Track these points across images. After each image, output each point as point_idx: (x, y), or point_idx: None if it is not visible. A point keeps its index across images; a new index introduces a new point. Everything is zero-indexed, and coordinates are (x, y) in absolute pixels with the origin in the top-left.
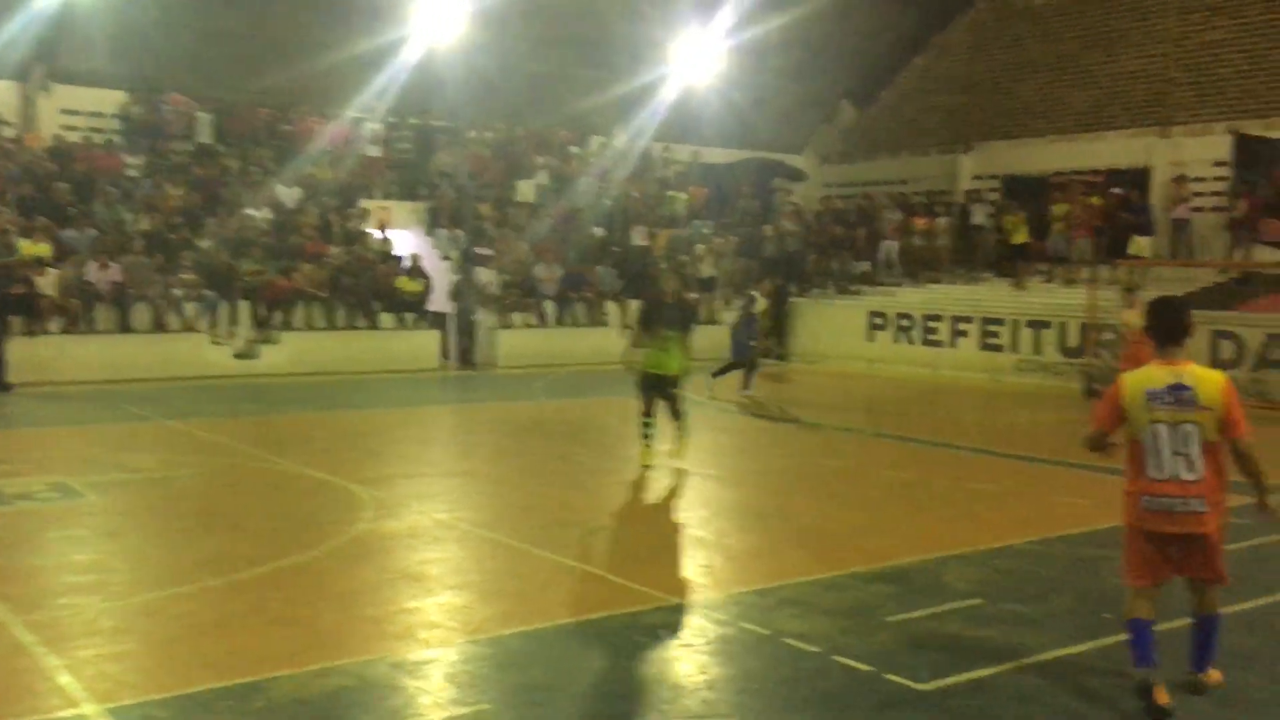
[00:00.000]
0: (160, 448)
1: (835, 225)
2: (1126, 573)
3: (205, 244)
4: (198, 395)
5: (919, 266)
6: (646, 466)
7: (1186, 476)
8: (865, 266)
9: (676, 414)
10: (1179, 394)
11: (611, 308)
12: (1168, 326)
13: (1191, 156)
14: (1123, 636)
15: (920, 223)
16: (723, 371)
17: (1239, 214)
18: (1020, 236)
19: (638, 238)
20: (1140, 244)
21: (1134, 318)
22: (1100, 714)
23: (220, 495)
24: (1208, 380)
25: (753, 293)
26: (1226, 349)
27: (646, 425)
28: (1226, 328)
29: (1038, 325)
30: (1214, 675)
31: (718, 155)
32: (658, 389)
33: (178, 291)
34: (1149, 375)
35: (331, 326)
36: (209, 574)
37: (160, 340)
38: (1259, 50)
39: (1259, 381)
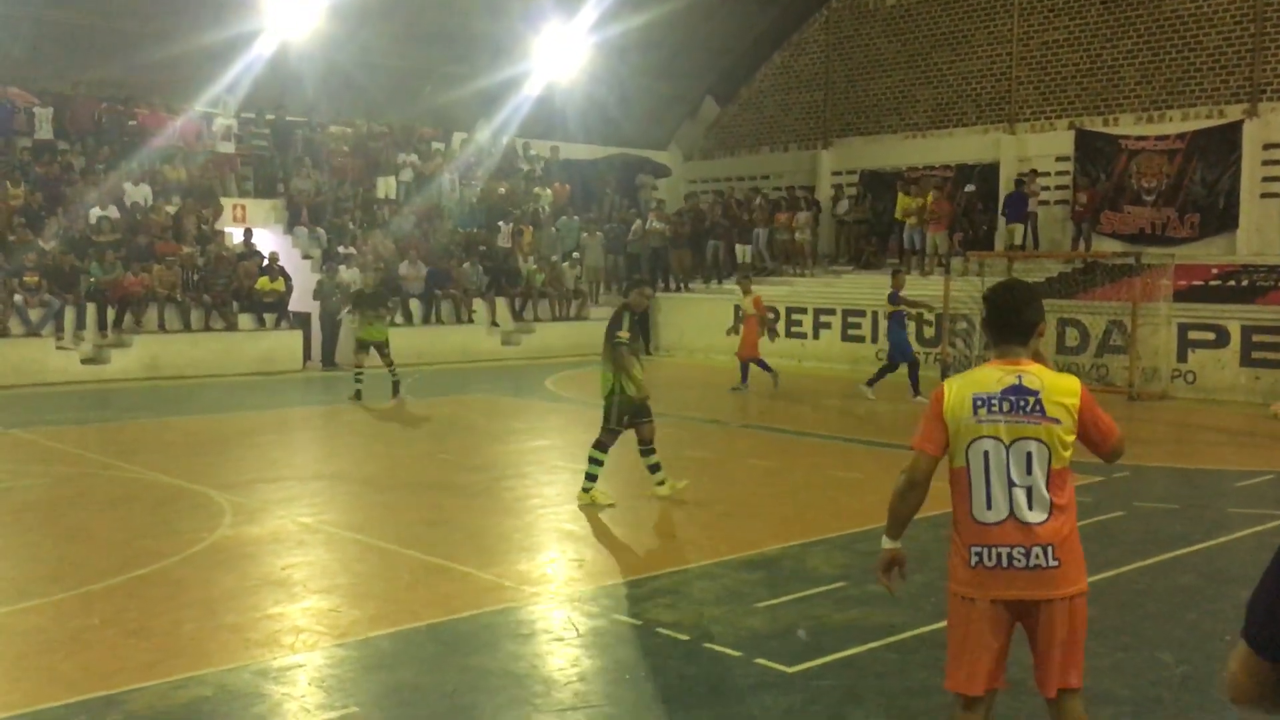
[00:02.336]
0: (2, 458)
1: (700, 220)
2: (949, 670)
3: (48, 245)
4: (42, 403)
5: (783, 260)
6: (607, 505)
7: (1027, 517)
8: (742, 255)
9: (649, 442)
10: (1018, 400)
11: (479, 305)
12: (1003, 316)
13: (1036, 152)
14: None
15: (782, 217)
16: (879, 377)
17: (1081, 206)
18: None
19: (503, 235)
20: (1015, 231)
21: (749, 303)
22: None
23: (68, 505)
24: (1058, 384)
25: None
26: (1072, 336)
27: (600, 462)
28: (1072, 315)
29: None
30: None
31: (582, 151)
32: (637, 416)
33: (18, 296)
34: (977, 377)
35: (186, 328)
36: (58, 587)
37: (1, 346)
38: (1097, 49)
39: (1101, 366)
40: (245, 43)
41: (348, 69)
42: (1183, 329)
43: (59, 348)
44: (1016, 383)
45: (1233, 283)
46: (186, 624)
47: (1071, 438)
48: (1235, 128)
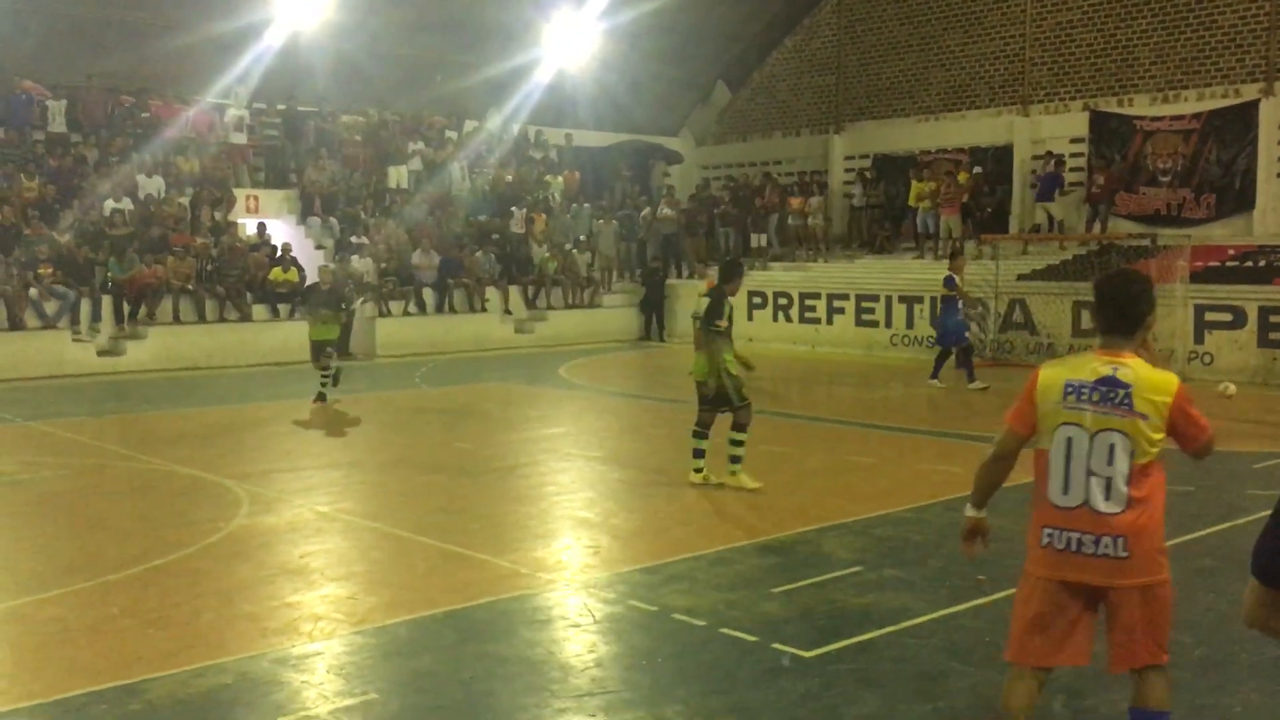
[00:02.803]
0: (21, 450)
1: (713, 206)
2: (1009, 639)
3: (63, 237)
4: (59, 395)
5: (796, 245)
6: (754, 488)
7: (1102, 506)
8: (757, 243)
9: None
10: (1109, 391)
11: (491, 293)
12: (1112, 307)
13: (1050, 134)
14: (996, 595)
15: (795, 202)
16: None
17: (1098, 188)
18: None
19: (516, 222)
20: (1050, 207)
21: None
22: (973, 671)
23: (87, 497)
24: (1153, 380)
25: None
26: (1087, 318)
27: (742, 443)
28: (1087, 298)
29: (910, 300)
30: None
31: (593, 138)
32: (726, 401)
33: (34, 289)
34: (1074, 364)
35: (201, 320)
36: (78, 577)
37: (17, 338)
38: (1111, 29)
39: None
40: (256, 33)
41: (358, 58)
42: (1199, 310)
43: (75, 340)
44: (1111, 374)
45: (1249, 263)
46: (205, 613)
47: (1160, 435)
48: (1251, 107)
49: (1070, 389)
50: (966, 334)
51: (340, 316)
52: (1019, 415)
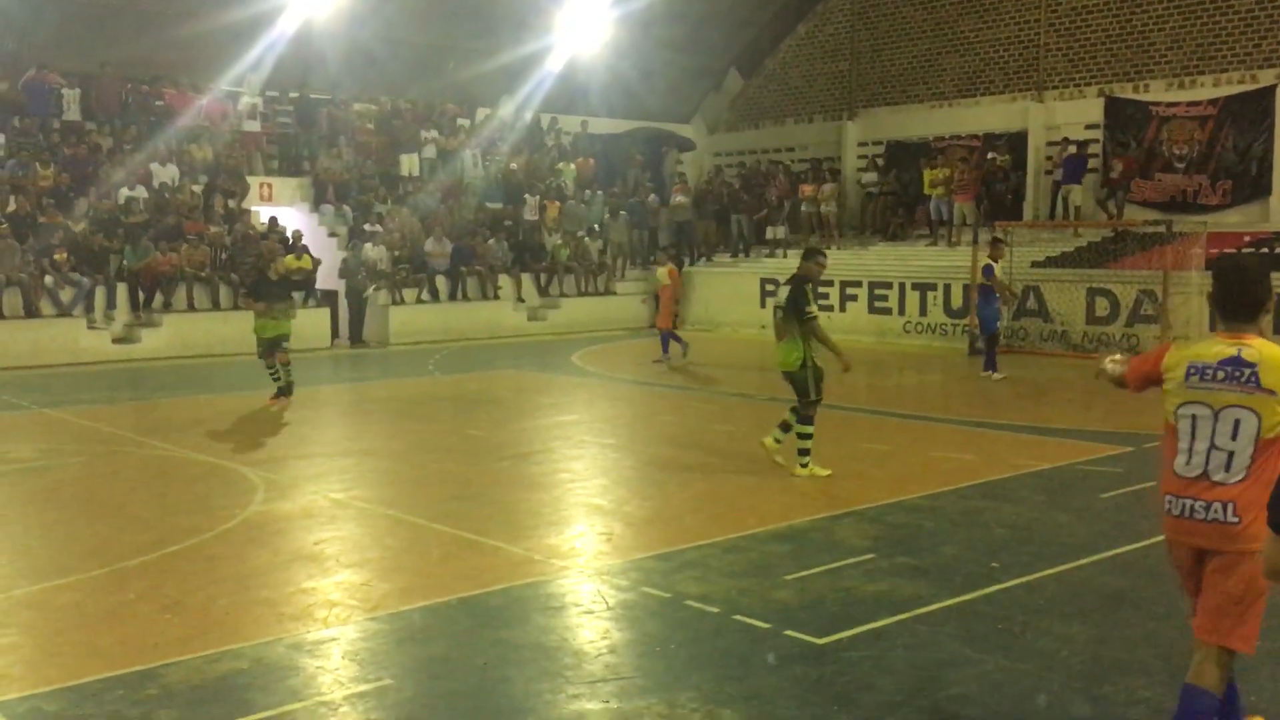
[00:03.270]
0: (38, 437)
1: (726, 193)
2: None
3: (77, 225)
4: (75, 382)
5: (807, 232)
6: (825, 475)
7: (1222, 476)
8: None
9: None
10: (1234, 370)
11: (504, 281)
12: (1231, 294)
13: (1065, 120)
14: (1010, 582)
15: (808, 189)
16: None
17: (1117, 174)
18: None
19: (529, 210)
20: (1073, 192)
21: (664, 274)
22: (986, 658)
23: (103, 483)
24: (1278, 358)
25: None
26: (1101, 305)
27: (811, 435)
28: (1102, 285)
29: (923, 288)
30: None
31: (605, 126)
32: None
33: (49, 277)
34: (1200, 348)
35: (215, 307)
36: (95, 563)
37: (33, 326)
38: (1127, 15)
39: (1131, 335)
40: (268, 21)
41: (370, 46)
42: None
43: (90, 328)
44: (1235, 355)
45: (1265, 250)
46: (221, 599)
47: None
48: (1268, 93)
49: (1194, 370)
50: (997, 324)
51: (291, 310)
52: (1137, 373)
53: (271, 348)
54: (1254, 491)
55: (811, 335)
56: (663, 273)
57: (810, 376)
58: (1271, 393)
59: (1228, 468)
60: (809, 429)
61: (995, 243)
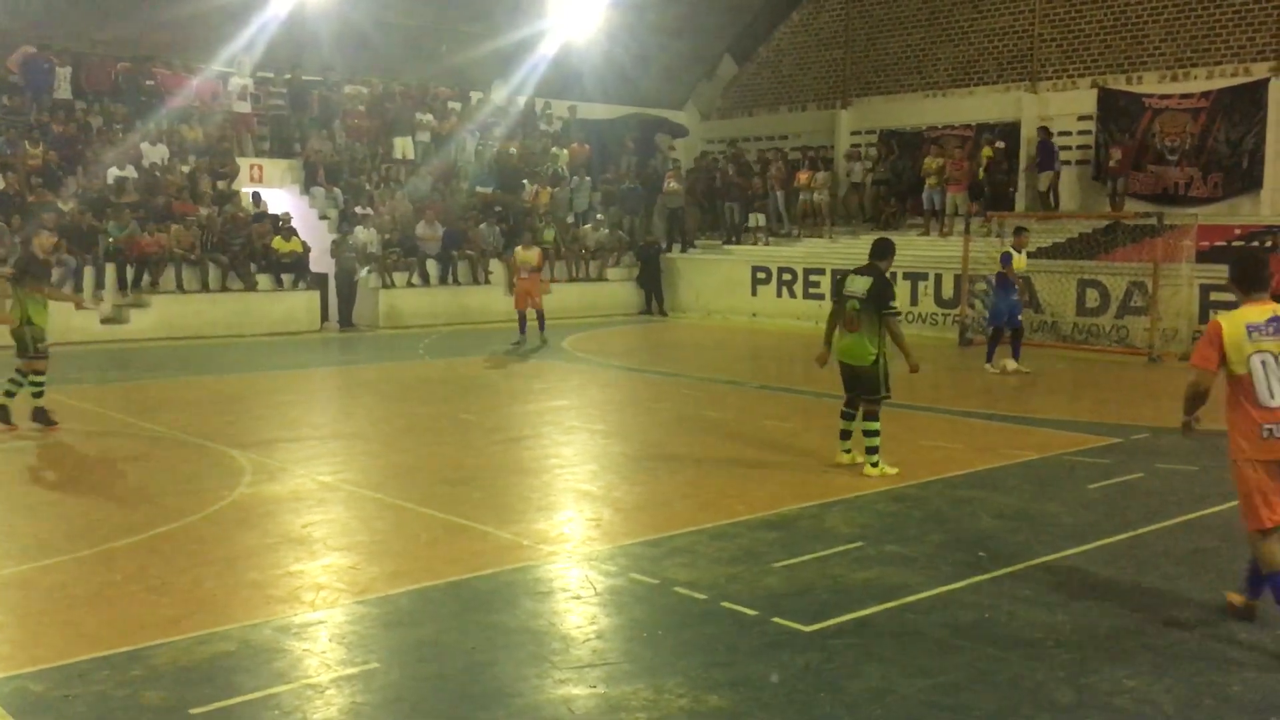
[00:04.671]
0: (25, 417)
1: (717, 177)
2: (1252, 515)
3: (66, 205)
4: (63, 362)
5: (802, 220)
6: (894, 473)
7: None
8: (761, 220)
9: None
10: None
11: (495, 266)
12: (1252, 274)
13: (1058, 110)
14: (997, 572)
15: (802, 177)
16: (1016, 348)
17: (1116, 164)
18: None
19: (522, 194)
20: (1044, 179)
21: (529, 256)
22: (972, 646)
23: (90, 463)
24: None
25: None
26: (1092, 297)
27: (879, 433)
28: (1092, 276)
29: (915, 277)
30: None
31: (599, 111)
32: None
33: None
34: (1244, 313)
35: (204, 289)
36: (82, 544)
37: None
38: (1120, 6)
39: (1121, 327)
40: (261, 2)
41: (363, 28)
42: (1205, 290)
43: (78, 308)
44: (1276, 314)
45: (1256, 243)
46: (208, 581)
47: None
48: (1260, 86)
49: (1252, 328)
50: (1020, 317)
51: (41, 296)
52: (1205, 358)
53: (36, 341)
54: None
55: (889, 331)
56: (532, 255)
57: (881, 373)
58: None
59: None
60: (876, 425)
61: (1018, 230)
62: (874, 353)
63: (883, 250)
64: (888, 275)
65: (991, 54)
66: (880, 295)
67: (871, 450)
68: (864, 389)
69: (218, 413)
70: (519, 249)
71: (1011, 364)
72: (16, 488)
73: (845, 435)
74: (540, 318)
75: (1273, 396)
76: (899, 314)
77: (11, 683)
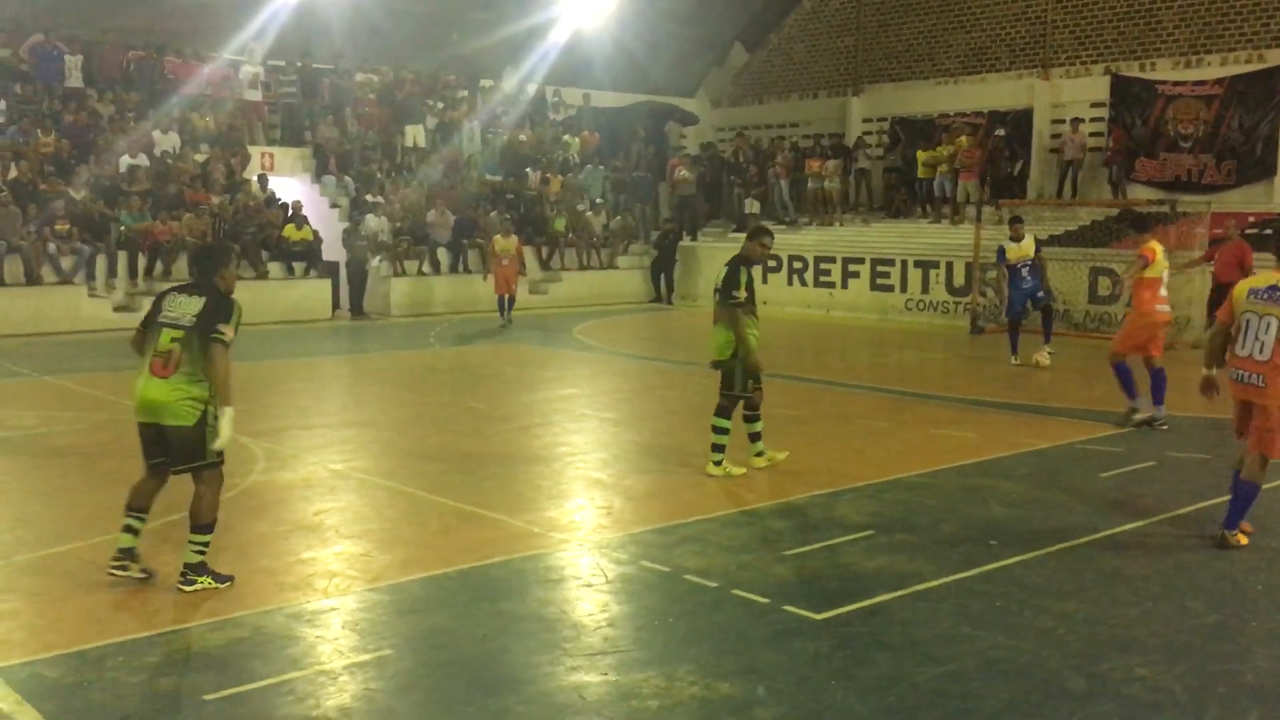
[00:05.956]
0: (39, 404)
1: (728, 168)
2: (1236, 431)
3: (79, 193)
4: (76, 350)
5: (811, 208)
6: (740, 474)
7: (1258, 357)
8: (757, 207)
9: (756, 409)
10: (1275, 294)
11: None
12: (1270, 247)
13: (1071, 98)
14: (1008, 560)
15: (814, 165)
16: (1047, 332)
17: (1110, 150)
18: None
19: (532, 183)
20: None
21: (507, 245)
22: (983, 635)
23: (104, 451)
24: None
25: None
26: (1104, 284)
27: (726, 431)
28: (1104, 264)
29: (926, 265)
30: (1239, 537)
31: (609, 99)
32: (757, 381)
33: (51, 245)
34: (1260, 278)
35: None
36: (96, 530)
37: (35, 294)
38: None
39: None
40: None
41: (374, 16)
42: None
43: (91, 295)
44: (1276, 284)
45: (1269, 231)
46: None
47: None
48: (1275, 73)
49: (1253, 293)
50: (1041, 295)
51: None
52: (1222, 312)
53: None
54: (1276, 363)
55: (732, 321)
56: (510, 244)
57: (738, 369)
58: None
59: (1261, 351)
60: (726, 424)
61: (1013, 221)
62: (729, 345)
63: (749, 236)
64: (750, 263)
65: (1004, 40)
66: (723, 282)
67: (716, 448)
68: (721, 383)
69: None
70: (497, 237)
71: (1045, 359)
72: (31, 475)
73: (754, 438)
74: (511, 302)
75: (1243, 348)
76: (738, 303)
77: (27, 669)
